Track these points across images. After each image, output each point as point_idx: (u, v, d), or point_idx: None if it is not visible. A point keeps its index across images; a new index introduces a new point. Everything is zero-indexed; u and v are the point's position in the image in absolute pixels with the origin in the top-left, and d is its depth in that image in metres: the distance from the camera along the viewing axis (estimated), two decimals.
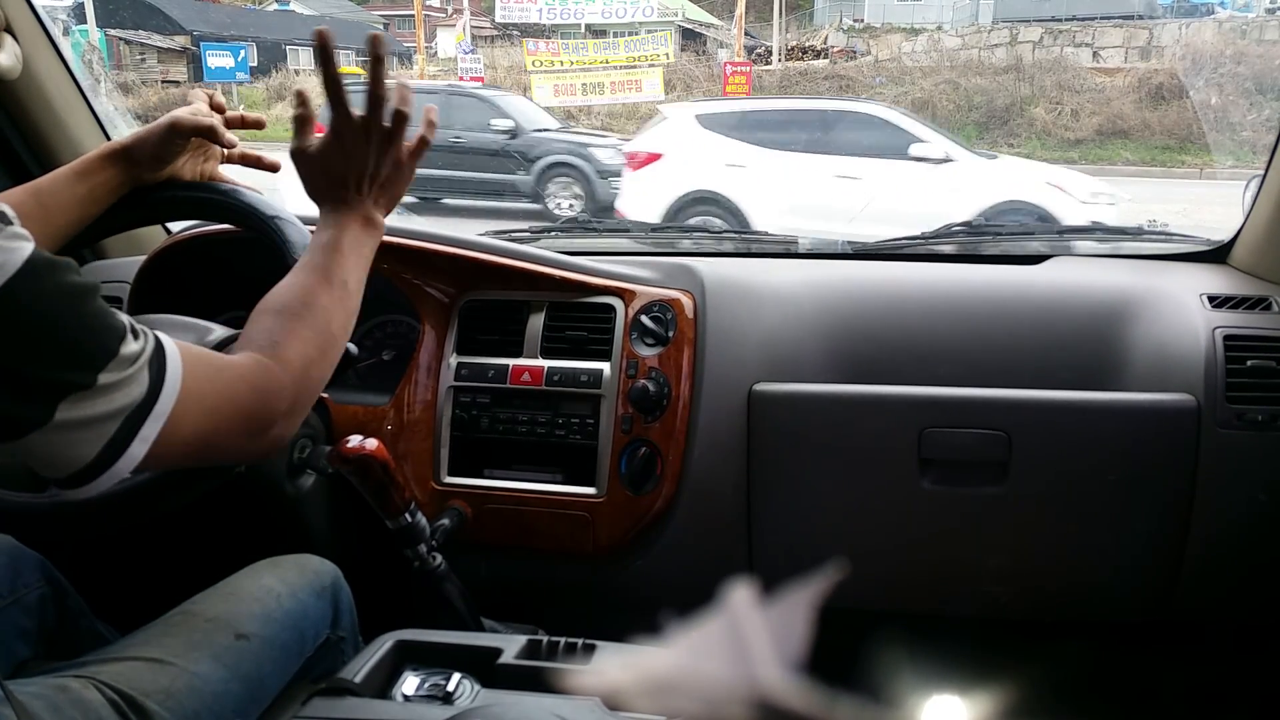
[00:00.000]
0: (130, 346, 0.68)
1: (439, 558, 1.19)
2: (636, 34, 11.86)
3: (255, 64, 14.46)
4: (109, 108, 1.61)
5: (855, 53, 15.75)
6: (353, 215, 0.89)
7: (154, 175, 0.99)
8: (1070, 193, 5.56)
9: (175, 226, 1.57)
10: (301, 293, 0.83)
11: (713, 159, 6.17)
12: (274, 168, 1.08)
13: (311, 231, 0.91)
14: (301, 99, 0.89)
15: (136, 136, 0.98)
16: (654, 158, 6.35)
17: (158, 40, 15.72)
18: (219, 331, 1.00)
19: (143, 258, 1.43)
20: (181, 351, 0.72)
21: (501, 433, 1.38)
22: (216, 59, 12.61)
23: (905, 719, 1.23)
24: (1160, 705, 1.47)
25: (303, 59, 17.81)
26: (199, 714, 0.82)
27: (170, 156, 1.00)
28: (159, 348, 0.70)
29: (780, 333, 1.39)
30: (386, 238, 1.37)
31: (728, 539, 1.35)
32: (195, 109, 1.01)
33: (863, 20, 18.97)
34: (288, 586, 0.97)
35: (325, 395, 1.30)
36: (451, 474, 1.39)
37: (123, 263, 1.56)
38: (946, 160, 6.01)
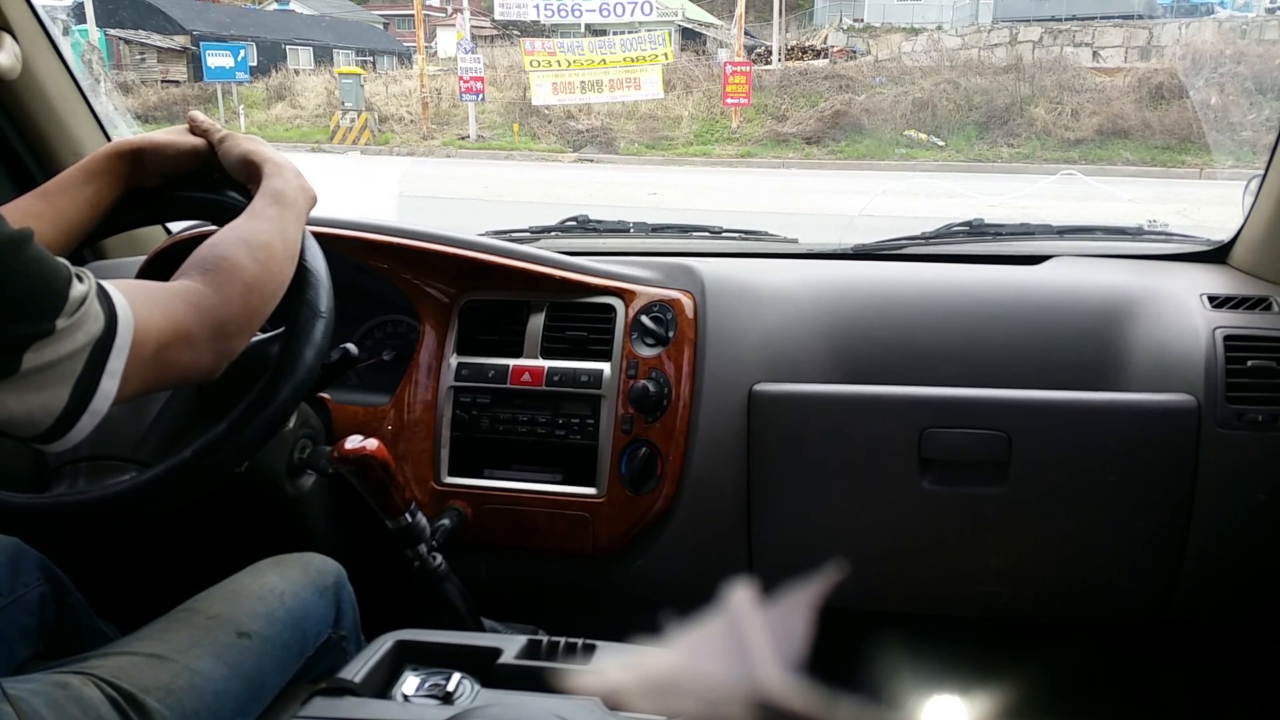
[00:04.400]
0: (78, 288, 0.70)
1: (439, 558, 1.19)
2: (635, 33, 11.86)
3: (255, 64, 14.45)
4: (109, 108, 1.61)
5: (855, 52, 15.74)
6: (294, 172, 0.97)
7: (154, 183, 1.00)
8: None
9: (175, 226, 1.57)
10: (247, 232, 0.88)
11: None
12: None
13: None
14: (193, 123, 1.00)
15: (152, 143, 0.97)
16: None
17: (157, 40, 15.71)
18: None
19: (143, 258, 1.43)
20: (118, 285, 0.75)
21: (501, 433, 1.38)
22: (216, 59, 12.60)
23: (905, 719, 1.23)
24: (1160, 705, 1.47)
25: (302, 59, 17.81)
26: (198, 712, 0.82)
27: (176, 174, 1.00)
28: (101, 287, 0.73)
29: (780, 333, 1.39)
30: (387, 238, 1.39)
31: (728, 539, 1.35)
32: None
33: (863, 20, 18.97)
34: (291, 585, 0.97)
35: (326, 396, 1.30)
36: (451, 474, 1.39)
37: (123, 263, 1.56)
38: None
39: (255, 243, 0.87)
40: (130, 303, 0.73)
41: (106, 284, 0.74)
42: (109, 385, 0.71)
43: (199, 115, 1.02)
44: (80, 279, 0.71)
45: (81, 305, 0.69)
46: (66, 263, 0.71)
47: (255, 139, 1.00)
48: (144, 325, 0.74)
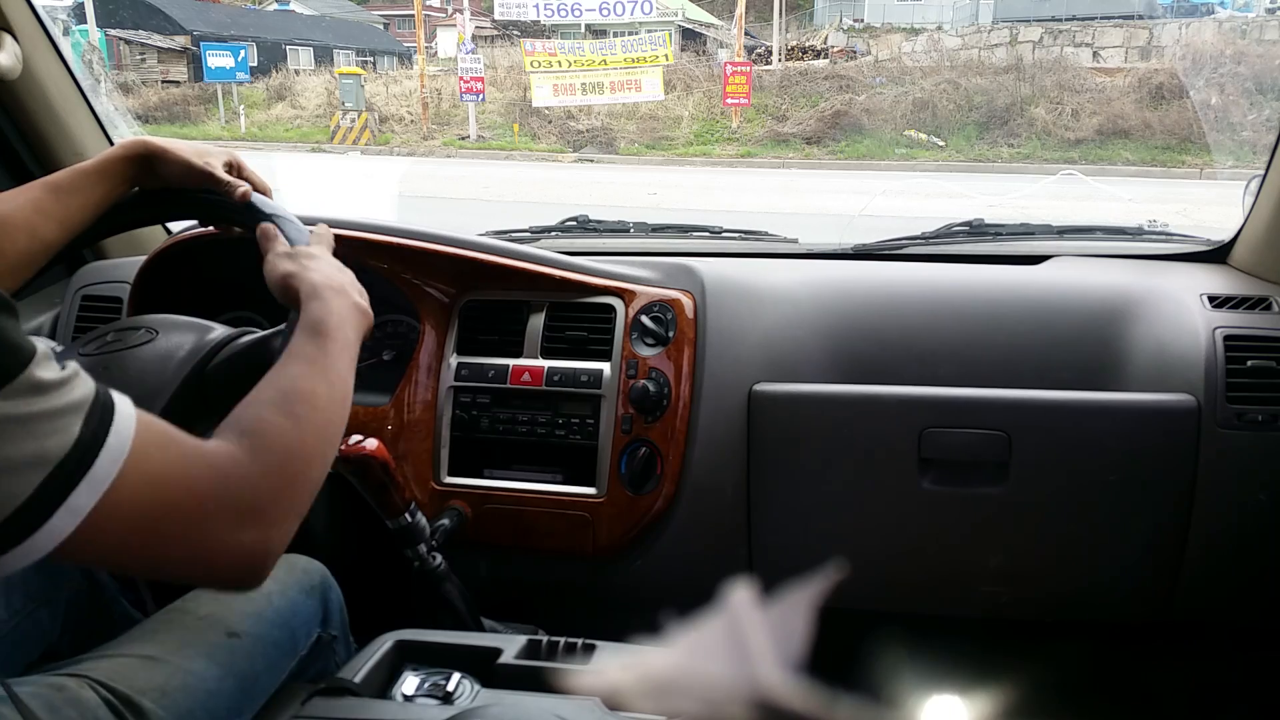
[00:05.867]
0: (44, 372, 0.56)
1: (439, 557, 1.19)
2: (636, 34, 11.85)
3: (255, 64, 14.46)
4: (109, 108, 1.61)
5: (855, 53, 15.75)
6: (335, 292, 0.83)
7: (155, 186, 0.99)
8: None
9: (175, 226, 1.57)
10: (286, 381, 0.74)
11: None
12: (265, 190, 1.06)
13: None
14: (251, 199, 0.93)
15: (166, 154, 0.95)
16: None
17: (158, 40, 15.72)
18: (219, 331, 0.99)
19: (143, 258, 1.43)
20: (136, 415, 0.61)
21: (501, 433, 1.38)
22: (216, 59, 12.61)
23: (905, 719, 1.23)
24: (1160, 705, 1.47)
25: (302, 59, 17.82)
26: (193, 711, 0.82)
27: (178, 187, 1.00)
28: (101, 401, 0.59)
29: (780, 333, 1.39)
30: (386, 238, 1.39)
31: (728, 539, 1.35)
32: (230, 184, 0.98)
33: (863, 20, 18.98)
34: (277, 584, 0.97)
35: None
36: (451, 474, 1.39)
37: (123, 263, 1.56)
38: None
39: (293, 394, 0.72)
40: (135, 438, 0.58)
41: (121, 401, 0.60)
42: (63, 524, 0.55)
43: (244, 165, 1.00)
44: (64, 368, 0.57)
45: (42, 396, 0.55)
46: (46, 345, 0.58)
47: (302, 257, 0.87)
48: (140, 466, 0.58)
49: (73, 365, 0.59)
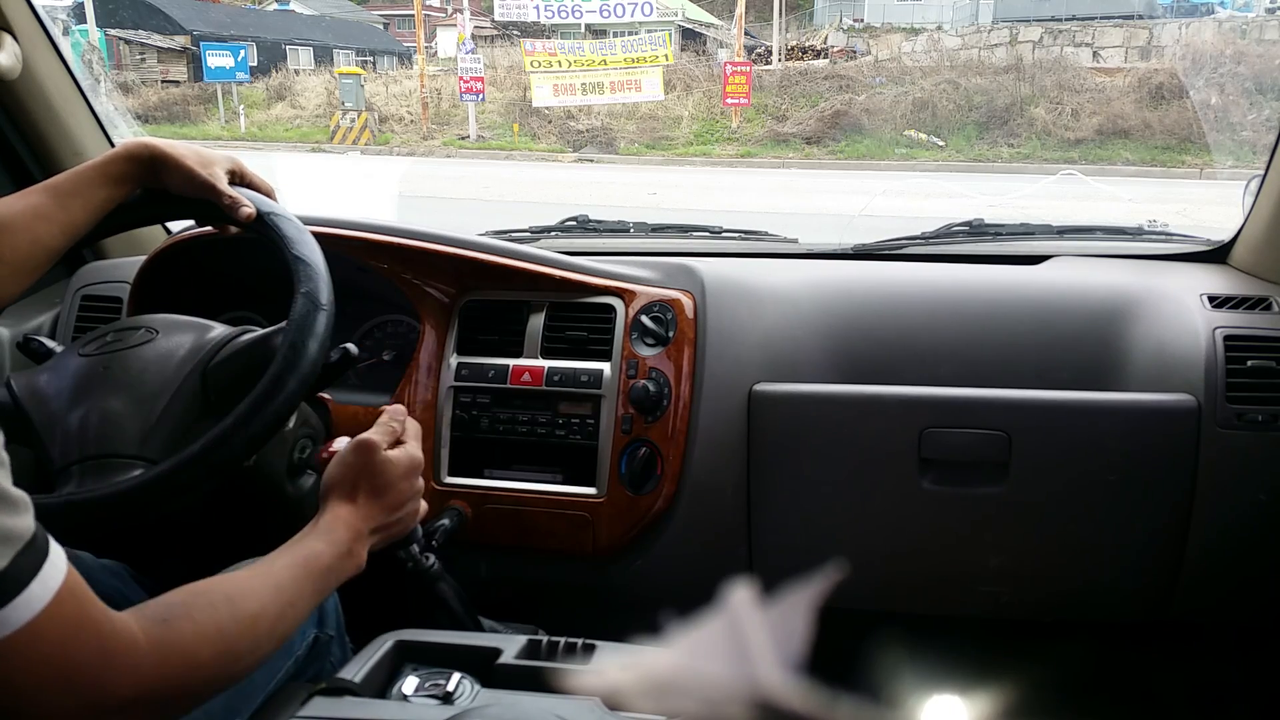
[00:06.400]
0: None
1: (432, 557, 1.18)
2: (636, 34, 11.86)
3: (255, 64, 14.46)
4: (109, 108, 1.61)
5: (855, 52, 15.75)
6: (347, 542, 0.83)
7: (157, 187, 0.99)
8: None
9: (175, 226, 1.57)
10: (244, 594, 0.71)
11: None
12: (269, 192, 1.06)
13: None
14: (399, 415, 0.92)
15: (168, 157, 0.95)
16: None
17: (158, 40, 15.72)
18: (219, 330, 1.00)
19: (143, 258, 1.43)
20: (66, 570, 0.56)
21: (501, 433, 1.38)
22: (216, 59, 12.62)
23: (905, 719, 1.23)
24: (1160, 705, 1.47)
25: (302, 59, 17.82)
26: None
27: (179, 193, 0.99)
28: (39, 541, 0.55)
29: (780, 333, 1.39)
30: (387, 238, 1.38)
31: (728, 539, 1.35)
32: (236, 198, 0.98)
33: (863, 20, 18.98)
34: None
35: (326, 396, 1.30)
36: (452, 474, 1.39)
37: (123, 263, 1.56)
38: None
39: (239, 608, 0.68)
40: (58, 592, 0.54)
41: (55, 556, 0.55)
42: None
43: (245, 171, 1.00)
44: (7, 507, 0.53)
45: None
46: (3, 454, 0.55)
47: (348, 466, 0.88)
48: (42, 625, 0.53)
49: (24, 495, 0.55)
